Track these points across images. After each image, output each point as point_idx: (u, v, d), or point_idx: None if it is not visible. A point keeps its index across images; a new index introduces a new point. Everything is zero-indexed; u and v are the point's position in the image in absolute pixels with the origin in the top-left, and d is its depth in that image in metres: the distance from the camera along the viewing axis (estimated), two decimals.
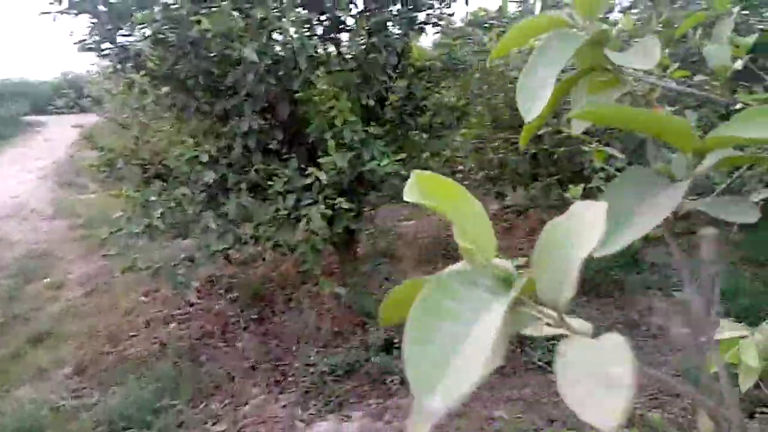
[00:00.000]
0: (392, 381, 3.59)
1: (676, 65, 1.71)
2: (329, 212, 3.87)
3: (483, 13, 4.31)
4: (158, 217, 3.85)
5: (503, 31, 4.62)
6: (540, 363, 3.69)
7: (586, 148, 2.33)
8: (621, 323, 4.15)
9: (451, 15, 4.47)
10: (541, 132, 4.88)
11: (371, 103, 4.01)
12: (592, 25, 0.65)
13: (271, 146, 4.47)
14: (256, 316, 4.56)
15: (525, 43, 0.70)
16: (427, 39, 5.40)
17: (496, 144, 5.78)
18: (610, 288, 4.67)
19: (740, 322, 1.13)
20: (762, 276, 4.70)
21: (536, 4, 4.98)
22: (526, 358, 3.76)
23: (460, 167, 5.87)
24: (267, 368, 3.92)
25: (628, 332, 4.02)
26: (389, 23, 3.89)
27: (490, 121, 5.49)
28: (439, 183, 0.49)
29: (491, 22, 4.26)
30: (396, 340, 3.81)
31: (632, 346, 0.35)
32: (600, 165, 2.81)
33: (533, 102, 0.60)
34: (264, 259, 5.02)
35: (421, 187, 0.49)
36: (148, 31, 3.48)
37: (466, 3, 4.45)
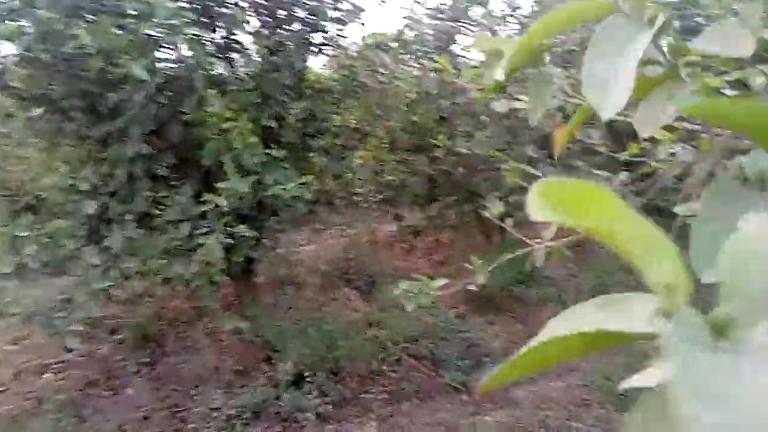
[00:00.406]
0: (305, 419, 3.37)
1: None
2: (229, 241, 3.62)
3: (381, 36, 4.29)
4: (30, 255, 3.38)
5: (402, 52, 4.65)
6: (454, 384, 3.65)
7: (505, 167, 2.31)
8: (525, 337, 4.23)
9: (345, 38, 4.41)
10: (438, 153, 4.94)
11: (272, 124, 3.82)
12: (641, 10, 0.55)
13: (159, 172, 4.13)
14: (147, 359, 4.14)
15: (567, 27, 0.60)
16: (320, 61, 5.31)
17: (393, 166, 5.78)
18: (511, 303, 4.78)
19: None
20: None
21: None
22: (441, 380, 3.71)
23: (359, 189, 5.81)
24: (164, 416, 3.54)
25: None
26: (288, 43, 3.74)
27: (388, 143, 5.48)
28: (580, 192, 0.33)
29: (391, 44, 4.25)
30: (306, 374, 3.61)
31: None
32: (514, 182, 2.82)
33: (607, 95, 0.48)
34: (153, 296, 4.60)
35: (551, 199, 0.33)
36: (16, 48, 3.07)
37: (363, 24, 4.41)
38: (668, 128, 1.89)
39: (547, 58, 1.25)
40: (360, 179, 5.56)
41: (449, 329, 4.07)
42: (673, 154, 2.00)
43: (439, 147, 5.05)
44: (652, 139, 2.05)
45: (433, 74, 4.98)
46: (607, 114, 0.47)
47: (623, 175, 2.09)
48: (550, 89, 1.16)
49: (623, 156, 2.16)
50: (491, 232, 5.97)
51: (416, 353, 3.91)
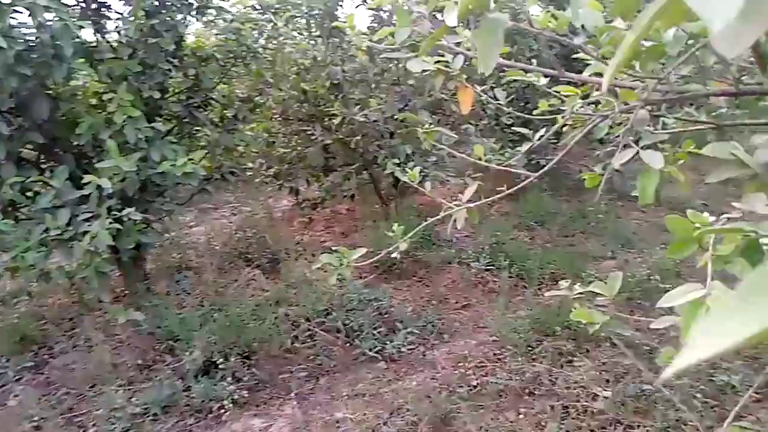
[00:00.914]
0: (221, 407, 3.18)
1: None
2: (116, 226, 3.29)
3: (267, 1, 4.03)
4: None
5: (293, 16, 4.42)
6: (371, 353, 3.61)
7: (421, 130, 2.24)
8: (433, 299, 4.28)
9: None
10: (337, 121, 4.81)
11: (154, 95, 3.49)
12: None
13: (26, 155, 3.66)
14: (30, 364, 3.70)
15: None
16: (202, 25, 4.94)
17: (287, 137, 5.57)
18: (415, 268, 4.81)
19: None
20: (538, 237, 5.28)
21: None
22: (357, 351, 3.65)
23: (249, 164, 5.52)
24: (58, 424, 3.19)
25: (438, 306, 4.16)
26: (168, 3, 3.40)
27: (279, 114, 5.25)
28: None
29: (282, 6, 4.00)
30: (217, 361, 3.40)
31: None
32: (412, 151, 2.75)
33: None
34: (30, 294, 4.11)
35: None
36: None
37: None
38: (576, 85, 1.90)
39: (493, 4, 1.17)
40: (254, 152, 5.29)
41: (360, 299, 4.01)
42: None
43: (335, 116, 4.92)
44: (561, 97, 2.06)
45: (330, 40, 4.81)
46: (719, 24, 0.35)
47: (539, 134, 2.09)
48: (497, 38, 1.09)
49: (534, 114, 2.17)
50: (388, 200, 5.97)
51: (330, 327, 3.82)
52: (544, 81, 2.21)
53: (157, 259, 4.76)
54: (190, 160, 3.55)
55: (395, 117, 5.08)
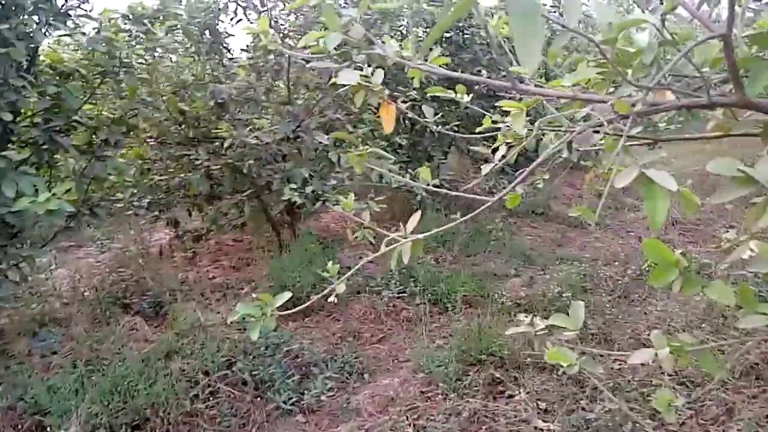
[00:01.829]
0: None
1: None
2: None
3: (142, 9, 3.49)
4: None
5: (175, 27, 3.90)
6: (286, 406, 3.18)
7: (350, 151, 1.93)
8: (347, 336, 3.93)
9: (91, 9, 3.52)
10: (226, 144, 4.34)
11: (5, 117, 2.84)
12: None
13: None
14: None
15: None
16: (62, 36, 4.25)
17: (166, 163, 4.98)
18: (321, 300, 4.43)
19: None
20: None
21: None
22: (271, 405, 3.20)
23: (119, 195, 4.81)
24: None
25: (353, 342, 3.82)
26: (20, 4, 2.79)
27: (156, 137, 4.66)
28: None
29: (161, 15, 3.47)
30: None
31: None
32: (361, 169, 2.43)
33: None
34: None
35: None
36: None
37: None
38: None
39: None
40: (127, 181, 4.63)
41: (266, 344, 3.56)
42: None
43: (220, 138, 4.44)
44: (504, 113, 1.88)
45: (211, 56, 4.33)
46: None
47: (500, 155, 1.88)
48: (536, 24, 0.82)
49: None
50: (281, 227, 5.54)
51: (235, 380, 3.32)
52: (467, 99, 2.01)
53: (13, 314, 3.95)
54: (53, 194, 2.93)
55: (289, 138, 4.70)
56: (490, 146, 1.94)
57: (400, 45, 1.72)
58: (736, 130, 1.60)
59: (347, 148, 4.60)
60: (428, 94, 1.88)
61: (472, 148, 6.34)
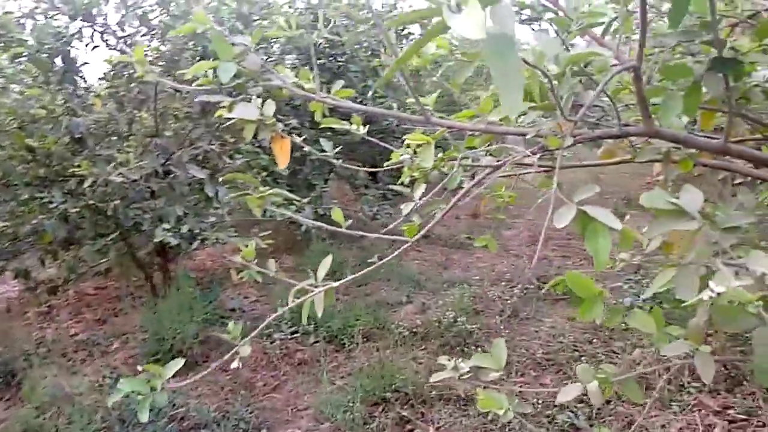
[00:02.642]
0: None
1: None
2: None
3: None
4: None
5: (20, 54, 3.39)
6: None
7: (250, 193, 1.73)
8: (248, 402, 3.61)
9: None
10: (86, 184, 3.87)
11: None
12: None
13: None
14: None
15: None
16: None
17: (11, 207, 4.34)
18: (204, 349, 4.05)
19: None
20: None
21: None
22: None
23: None
24: None
25: (246, 395, 3.51)
26: None
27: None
28: None
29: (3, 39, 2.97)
30: None
31: None
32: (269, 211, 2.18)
33: None
34: None
35: None
36: None
37: None
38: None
39: None
40: None
41: (160, 410, 3.15)
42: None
43: (78, 177, 3.93)
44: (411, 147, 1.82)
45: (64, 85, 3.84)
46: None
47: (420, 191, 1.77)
48: (513, 61, 0.71)
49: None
50: (152, 272, 5.05)
51: None
52: (363, 130, 1.91)
53: None
54: None
55: (158, 173, 4.30)
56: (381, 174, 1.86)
57: (296, 75, 1.57)
58: (641, 158, 1.62)
59: (230, 182, 4.30)
60: (321, 125, 1.74)
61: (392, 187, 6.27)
